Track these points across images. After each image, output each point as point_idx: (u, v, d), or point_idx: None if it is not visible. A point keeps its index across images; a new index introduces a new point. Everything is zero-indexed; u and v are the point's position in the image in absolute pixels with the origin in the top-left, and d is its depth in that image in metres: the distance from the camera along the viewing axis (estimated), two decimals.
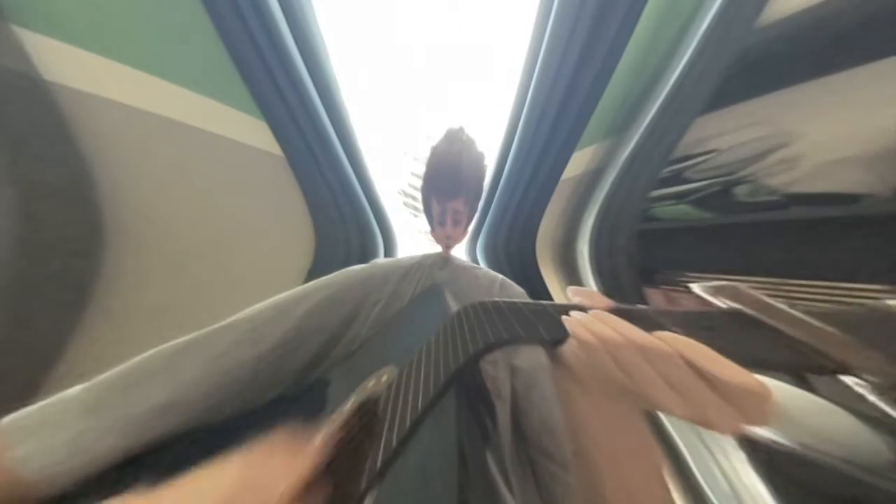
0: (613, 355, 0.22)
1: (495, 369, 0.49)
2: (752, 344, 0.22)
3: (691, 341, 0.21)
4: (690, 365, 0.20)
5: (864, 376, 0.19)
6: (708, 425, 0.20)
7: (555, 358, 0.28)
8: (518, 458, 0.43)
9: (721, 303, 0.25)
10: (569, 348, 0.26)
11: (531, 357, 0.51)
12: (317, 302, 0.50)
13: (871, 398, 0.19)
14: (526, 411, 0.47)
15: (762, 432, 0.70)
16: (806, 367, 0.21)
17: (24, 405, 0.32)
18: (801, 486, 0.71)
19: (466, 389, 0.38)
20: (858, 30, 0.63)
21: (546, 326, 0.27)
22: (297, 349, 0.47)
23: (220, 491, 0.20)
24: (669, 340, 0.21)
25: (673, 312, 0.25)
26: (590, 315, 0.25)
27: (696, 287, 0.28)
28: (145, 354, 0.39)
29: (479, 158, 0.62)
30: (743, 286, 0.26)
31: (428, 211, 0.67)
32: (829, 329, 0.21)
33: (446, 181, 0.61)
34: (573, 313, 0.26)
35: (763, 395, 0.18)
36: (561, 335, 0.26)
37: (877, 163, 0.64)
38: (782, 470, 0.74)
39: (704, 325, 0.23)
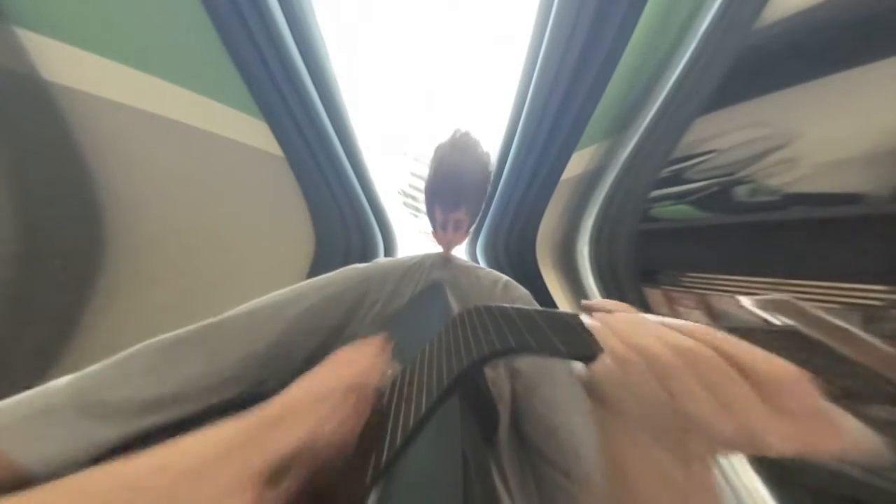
0: (654, 369, 0.20)
1: (495, 373, 0.48)
2: (809, 367, 0.19)
3: (727, 336, 0.19)
4: (732, 362, 0.18)
5: None
6: (759, 443, 0.17)
7: (587, 383, 0.24)
8: (518, 463, 0.43)
9: (775, 319, 0.23)
10: (599, 364, 0.23)
11: (533, 360, 0.50)
12: (314, 302, 0.50)
13: None
14: (526, 415, 0.46)
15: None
16: (869, 396, 0.18)
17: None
18: (802, 487, 0.71)
19: (470, 394, 0.37)
20: (858, 30, 0.63)
21: (563, 338, 0.24)
22: (292, 348, 0.47)
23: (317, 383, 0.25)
24: (702, 335, 0.19)
25: (719, 328, 0.22)
26: (618, 317, 0.23)
27: (746, 301, 0.25)
28: (139, 346, 0.38)
29: (483, 166, 0.62)
30: (799, 301, 0.23)
31: (431, 215, 0.67)
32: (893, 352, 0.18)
33: (449, 194, 0.61)
34: (597, 315, 0.24)
35: (799, 379, 0.17)
36: (588, 351, 0.23)
37: (877, 163, 0.64)
38: (782, 470, 0.74)
39: (754, 343, 0.20)
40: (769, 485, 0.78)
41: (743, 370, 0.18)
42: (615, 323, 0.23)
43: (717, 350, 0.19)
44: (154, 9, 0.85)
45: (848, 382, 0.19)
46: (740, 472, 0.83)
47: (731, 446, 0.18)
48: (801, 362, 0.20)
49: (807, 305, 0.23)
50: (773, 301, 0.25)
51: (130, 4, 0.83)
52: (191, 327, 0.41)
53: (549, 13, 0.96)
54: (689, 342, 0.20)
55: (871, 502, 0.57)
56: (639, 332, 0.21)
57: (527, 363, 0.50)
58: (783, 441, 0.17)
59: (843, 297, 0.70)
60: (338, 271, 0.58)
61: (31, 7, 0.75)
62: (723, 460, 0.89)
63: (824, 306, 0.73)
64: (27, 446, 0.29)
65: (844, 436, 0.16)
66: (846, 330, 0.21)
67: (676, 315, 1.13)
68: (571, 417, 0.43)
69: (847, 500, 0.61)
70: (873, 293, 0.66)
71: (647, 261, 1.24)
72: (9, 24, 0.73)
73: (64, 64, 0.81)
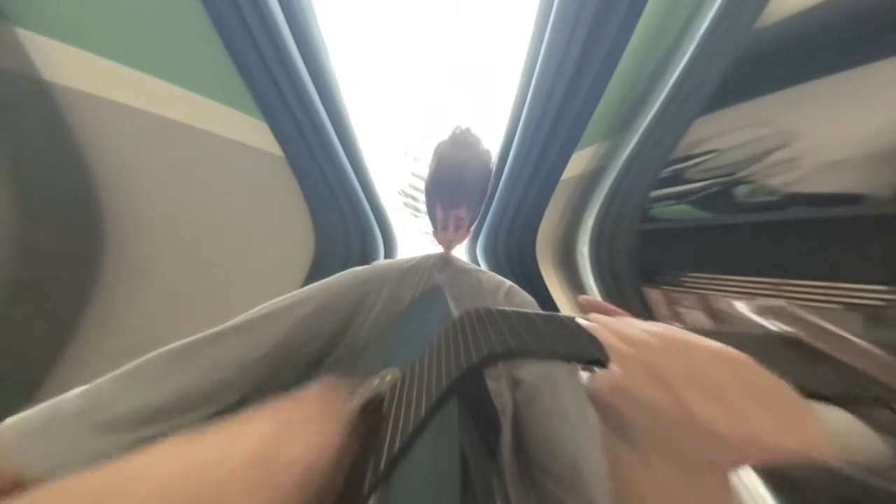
0: (647, 363, 0.19)
1: (498, 384, 0.47)
2: (804, 372, 0.19)
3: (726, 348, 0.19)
4: (716, 356, 0.18)
5: None
6: (755, 440, 0.16)
7: (593, 396, 0.23)
8: (521, 476, 0.42)
9: (770, 324, 0.23)
10: (605, 371, 0.22)
11: (535, 368, 0.49)
12: (313, 307, 0.50)
13: None
14: (526, 424, 0.45)
15: None
16: (863, 400, 0.19)
17: (23, 408, 0.33)
18: (801, 486, 0.71)
19: (470, 399, 0.37)
20: (858, 30, 0.63)
21: (562, 341, 0.24)
22: (294, 353, 0.47)
23: (255, 439, 0.20)
24: (679, 330, 0.20)
25: (714, 333, 0.22)
26: (615, 318, 0.23)
27: (741, 305, 0.26)
28: (145, 357, 0.39)
29: (484, 163, 0.61)
30: (795, 307, 0.23)
31: (432, 214, 0.66)
32: (889, 358, 0.19)
33: (450, 191, 0.61)
34: (593, 316, 0.24)
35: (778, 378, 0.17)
36: (587, 354, 0.22)
37: (877, 163, 0.64)
38: (782, 470, 0.74)
39: (750, 348, 0.20)
40: (769, 485, 0.78)
41: (727, 364, 0.18)
42: (607, 321, 0.23)
43: (700, 345, 0.19)
44: (154, 9, 0.85)
45: (847, 388, 0.19)
46: (740, 472, 0.83)
47: (731, 447, 0.17)
48: (801, 368, 0.20)
49: (803, 311, 0.23)
50: (770, 307, 0.25)
51: (130, 4, 0.83)
52: (193, 337, 0.42)
53: (549, 13, 0.96)
54: (682, 332, 0.20)
55: (871, 502, 0.57)
56: (625, 326, 0.22)
57: (529, 372, 0.49)
58: (778, 436, 0.16)
59: (843, 297, 0.70)
60: (336, 275, 0.58)
61: (31, 7, 0.75)
62: None
63: (824, 306, 0.73)
64: (38, 458, 0.29)
65: (830, 435, 0.16)
66: (838, 334, 0.21)
67: (677, 315, 1.13)
68: (574, 430, 0.42)
69: (847, 500, 0.61)
70: (873, 293, 0.66)
71: (647, 261, 1.24)
72: (9, 24, 0.73)
73: (64, 64, 0.81)
